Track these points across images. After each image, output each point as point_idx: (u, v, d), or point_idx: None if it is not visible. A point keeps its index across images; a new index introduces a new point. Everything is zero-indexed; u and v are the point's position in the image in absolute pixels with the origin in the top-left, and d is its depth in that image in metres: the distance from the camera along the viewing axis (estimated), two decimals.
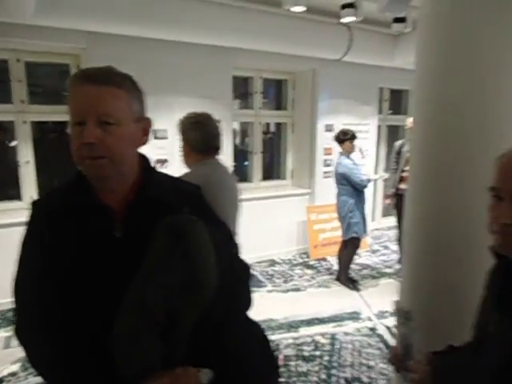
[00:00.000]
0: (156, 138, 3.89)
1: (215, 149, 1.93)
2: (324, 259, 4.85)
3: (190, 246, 0.85)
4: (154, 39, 3.63)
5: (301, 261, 4.85)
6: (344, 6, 3.58)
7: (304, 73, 5.01)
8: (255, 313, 3.58)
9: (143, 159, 1.01)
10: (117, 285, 0.81)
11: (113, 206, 0.92)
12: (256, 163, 5.06)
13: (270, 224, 4.88)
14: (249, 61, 4.40)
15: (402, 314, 1.13)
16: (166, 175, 1.09)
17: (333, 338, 3.12)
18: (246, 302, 1.10)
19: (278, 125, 5.42)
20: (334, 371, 2.78)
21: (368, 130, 5.40)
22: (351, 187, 3.85)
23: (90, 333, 0.84)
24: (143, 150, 1.01)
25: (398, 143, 4.34)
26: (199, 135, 1.86)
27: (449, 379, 0.96)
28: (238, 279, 1.06)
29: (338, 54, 4.28)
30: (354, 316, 3.47)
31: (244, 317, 1.13)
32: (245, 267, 1.12)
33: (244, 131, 5.72)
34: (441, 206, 1.51)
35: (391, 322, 3.22)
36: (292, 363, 2.86)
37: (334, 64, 4.66)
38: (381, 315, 3.49)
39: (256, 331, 1.18)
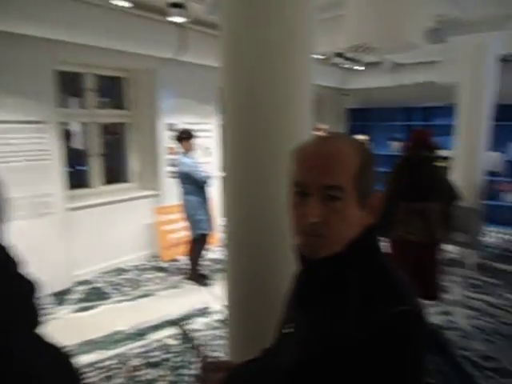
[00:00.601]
0: None
1: None
2: (176, 260, 4.81)
3: None
4: None
5: (152, 264, 4.71)
6: (172, 5, 3.58)
7: (142, 71, 4.84)
8: (99, 328, 3.31)
9: None
10: None
11: None
12: (95, 166, 4.68)
13: (116, 230, 4.59)
14: (76, 55, 4.01)
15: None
16: None
17: (182, 338, 3.12)
18: (33, 320, 0.98)
19: (122, 125, 5.13)
20: (184, 371, 2.78)
21: (210, 128, 5.56)
22: (194, 185, 3.90)
23: None
24: None
25: None
26: None
27: None
28: (19, 297, 0.93)
29: (172, 53, 4.26)
30: (204, 311, 3.54)
31: (33, 335, 1.00)
32: (28, 284, 1.00)
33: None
34: (248, 207, 1.63)
35: None
36: (141, 372, 2.75)
37: (172, 63, 4.63)
38: None
39: (51, 350, 1.05)
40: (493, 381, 2.58)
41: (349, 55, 5.95)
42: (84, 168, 4.70)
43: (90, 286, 4.09)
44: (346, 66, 6.39)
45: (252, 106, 1.56)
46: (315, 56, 6.63)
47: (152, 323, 3.32)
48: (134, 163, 5.11)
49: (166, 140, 4.94)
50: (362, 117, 8.10)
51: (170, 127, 4.96)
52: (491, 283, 4.17)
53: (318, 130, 6.58)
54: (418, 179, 2.86)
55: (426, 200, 2.86)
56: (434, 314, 3.49)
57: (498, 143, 5.55)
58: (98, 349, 2.96)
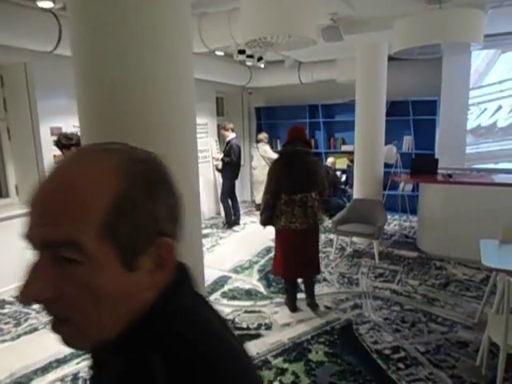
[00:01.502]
0: None
1: None
2: None
3: None
4: None
5: None
6: None
7: (13, 66, 4.13)
8: None
9: None
10: None
11: None
12: None
13: None
14: None
15: None
16: None
17: (75, 377, 2.66)
18: None
19: None
20: None
21: None
22: None
23: None
24: None
25: None
26: None
27: None
28: None
29: (47, 45, 3.67)
30: None
31: None
32: None
33: None
34: None
35: None
36: None
37: (51, 58, 4.01)
38: None
39: None
40: (401, 372, 2.63)
41: (251, 52, 5.84)
42: None
43: None
44: (250, 63, 6.29)
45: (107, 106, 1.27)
46: (218, 53, 6.30)
47: (38, 365, 2.79)
48: (11, 175, 4.37)
49: (51, 146, 4.29)
50: (269, 115, 8.13)
51: (55, 132, 4.33)
52: (394, 270, 4.39)
53: (225, 129, 6.39)
54: (296, 172, 3.17)
55: (304, 191, 3.19)
56: (346, 309, 3.52)
57: (390, 137, 5.93)
58: None
